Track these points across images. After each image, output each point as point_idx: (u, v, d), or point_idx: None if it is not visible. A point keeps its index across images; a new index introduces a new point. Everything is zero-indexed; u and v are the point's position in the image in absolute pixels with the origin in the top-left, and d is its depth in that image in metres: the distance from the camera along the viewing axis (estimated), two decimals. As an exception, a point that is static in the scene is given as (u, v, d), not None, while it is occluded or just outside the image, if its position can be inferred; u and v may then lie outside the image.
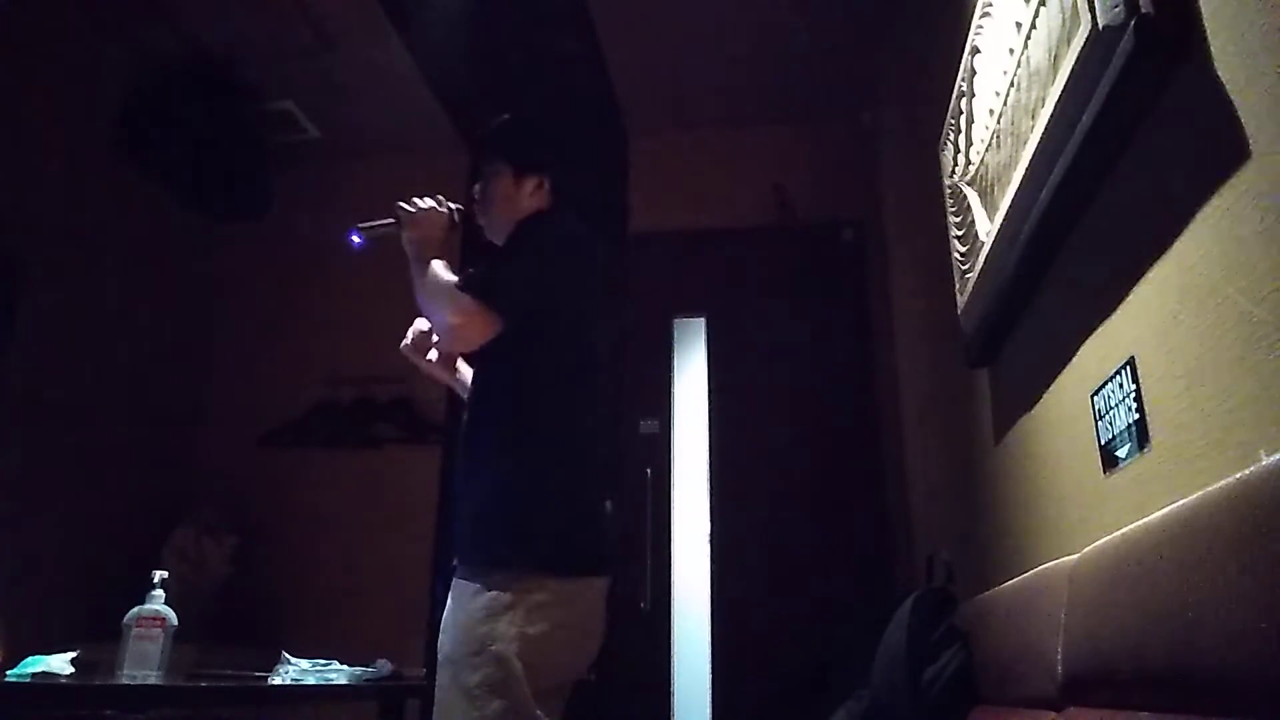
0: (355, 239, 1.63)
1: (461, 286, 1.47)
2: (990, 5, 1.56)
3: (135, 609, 1.64)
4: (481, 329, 1.46)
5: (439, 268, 1.55)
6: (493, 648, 1.32)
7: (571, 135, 1.93)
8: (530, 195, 1.67)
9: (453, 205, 1.70)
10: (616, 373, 3.09)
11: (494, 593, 1.35)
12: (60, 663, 1.50)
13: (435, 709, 1.36)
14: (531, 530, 1.41)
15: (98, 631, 1.93)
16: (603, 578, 1.48)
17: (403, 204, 1.66)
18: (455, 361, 1.73)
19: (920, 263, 2.54)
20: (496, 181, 1.68)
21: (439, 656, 1.38)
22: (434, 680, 1.40)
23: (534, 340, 1.50)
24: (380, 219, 1.66)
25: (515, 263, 1.53)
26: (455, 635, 1.36)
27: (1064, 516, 1.35)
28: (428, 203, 1.67)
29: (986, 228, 1.59)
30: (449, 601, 1.42)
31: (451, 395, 3.44)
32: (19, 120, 2.78)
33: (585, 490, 1.49)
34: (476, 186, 1.71)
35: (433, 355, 1.69)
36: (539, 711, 1.33)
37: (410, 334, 1.69)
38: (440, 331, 1.53)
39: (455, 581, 1.41)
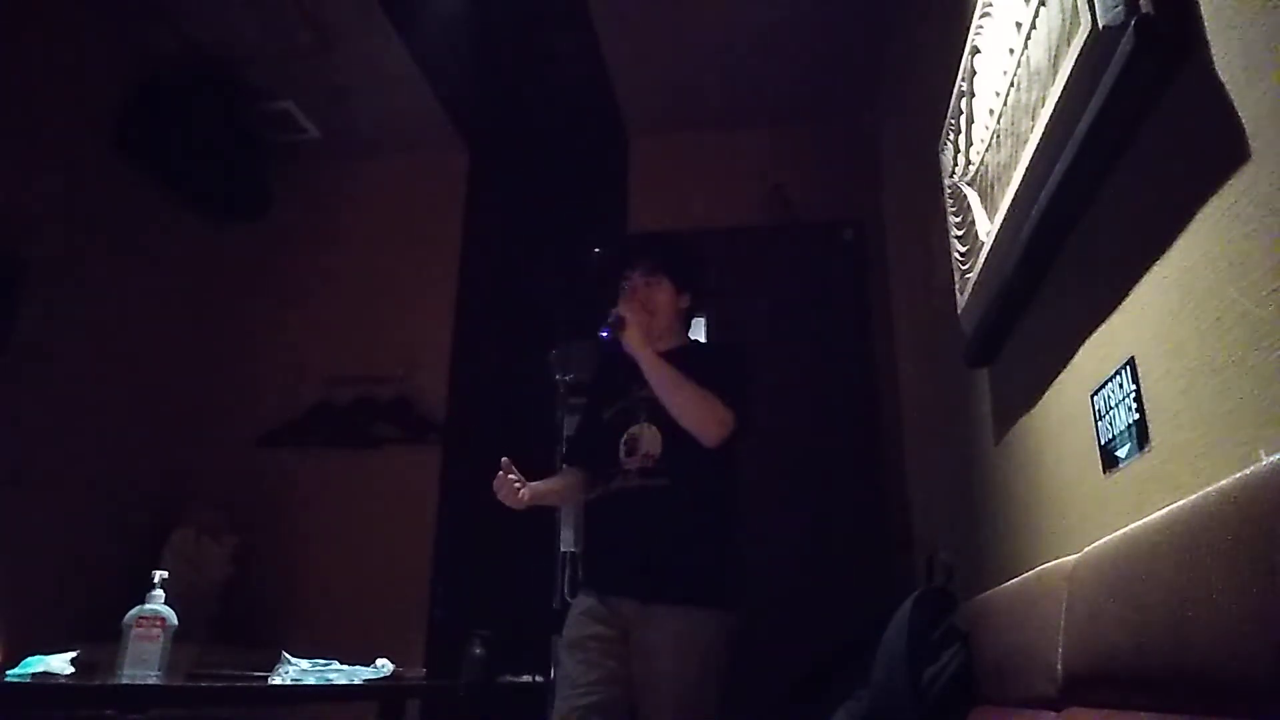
0: (604, 334, 1.91)
1: (729, 405, 1.82)
2: (990, 5, 1.56)
3: (135, 609, 1.64)
4: (729, 432, 1.82)
5: (679, 373, 1.84)
6: (721, 664, 1.80)
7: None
8: (680, 309, 2.03)
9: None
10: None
11: (723, 618, 1.79)
12: (60, 663, 1.50)
13: (669, 706, 1.74)
14: (737, 575, 1.87)
15: (98, 631, 1.93)
16: None
17: (620, 310, 1.91)
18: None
19: (920, 263, 2.54)
20: (662, 292, 2.00)
21: (664, 670, 1.75)
22: (435, 680, 1.44)
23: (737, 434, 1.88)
24: (613, 319, 1.90)
25: (746, 385, 1.91)
26: (695, 652, 1.75)
27: (1064, 516, 1.35)
28: (634, 309, 1.92)
29: (986, 228, 1.59)
30: (664, 628, 1.75)
31: (451, 396, 3.46)
32: (19, 120, 2.79)
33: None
34: (638, 290, 1.98)
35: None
36: None
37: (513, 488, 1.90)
38: (701, 430, 1.81)
39: (670, 609, 1.76)
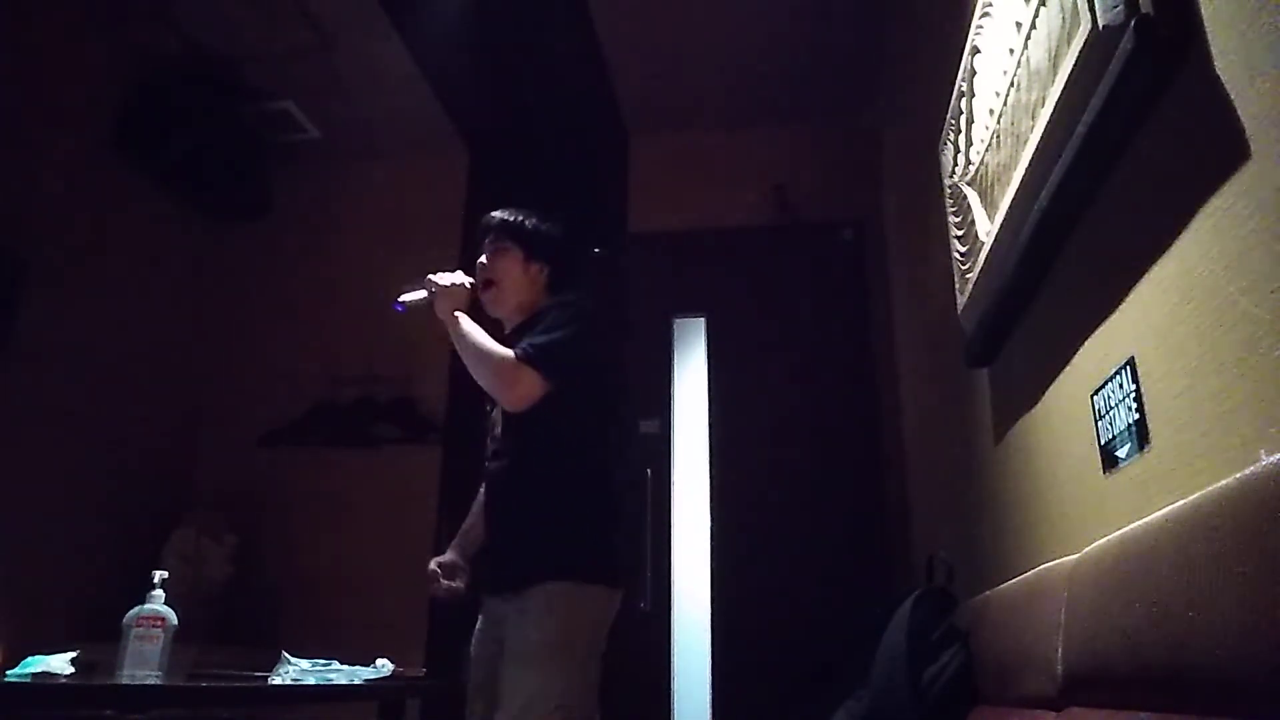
0: (399, 308, 1.87)
1: (522, 359, 1.71)
2: (990, 5, 1.56)
3: (135, 609, 1.63)
4: (535, 394, 1.72)
5: (484, 337, 1.77)
6: (578, 640, 1.63)
7: (576, 242, 2.19)
8: (533, 278, 1.92)
9: (470, 281, 1.89)
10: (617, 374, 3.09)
11: (577, 590, 1.65)
12: (60, 663, 1.50)
13: (507, 695, 1.58)
14: (596, 548, 1.74)
15: (98, 631, 1.93)
16: (620, 590, 1.77)
17: (432, 278, 1.85)
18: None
19: (920, 263, 2.54)
20: (508, 259, 1.91)
21: (520, 645, 1.62)
22: (435, 680, 1.46)
23: (573, 397, 1.76)
24: (418, 291, 1.86)
25: (560, 339, 1.76)
26: (544, 629, 1.61)
27: (1064, 516, 1.35)
28: (454, 278, 1.85)
29: (986, 228, 1.59)
30: (517, 606, 1.66)
31: (452, 396, 3.46)
32: (19, 120, 2.78)
33: (616, 518, 1.82)
34: (483, 259, 1.92)
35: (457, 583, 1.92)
36: (591, 681, 1.65)
37: (444, 579, 1.92)
38: (497, 394, 1.75)
39: (520, 592, 1.66)
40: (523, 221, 1.96)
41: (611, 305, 3.38)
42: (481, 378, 1.75)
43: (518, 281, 1.91)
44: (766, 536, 3.10)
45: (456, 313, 1.80)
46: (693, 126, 3.65)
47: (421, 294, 1.84)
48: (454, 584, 1.91)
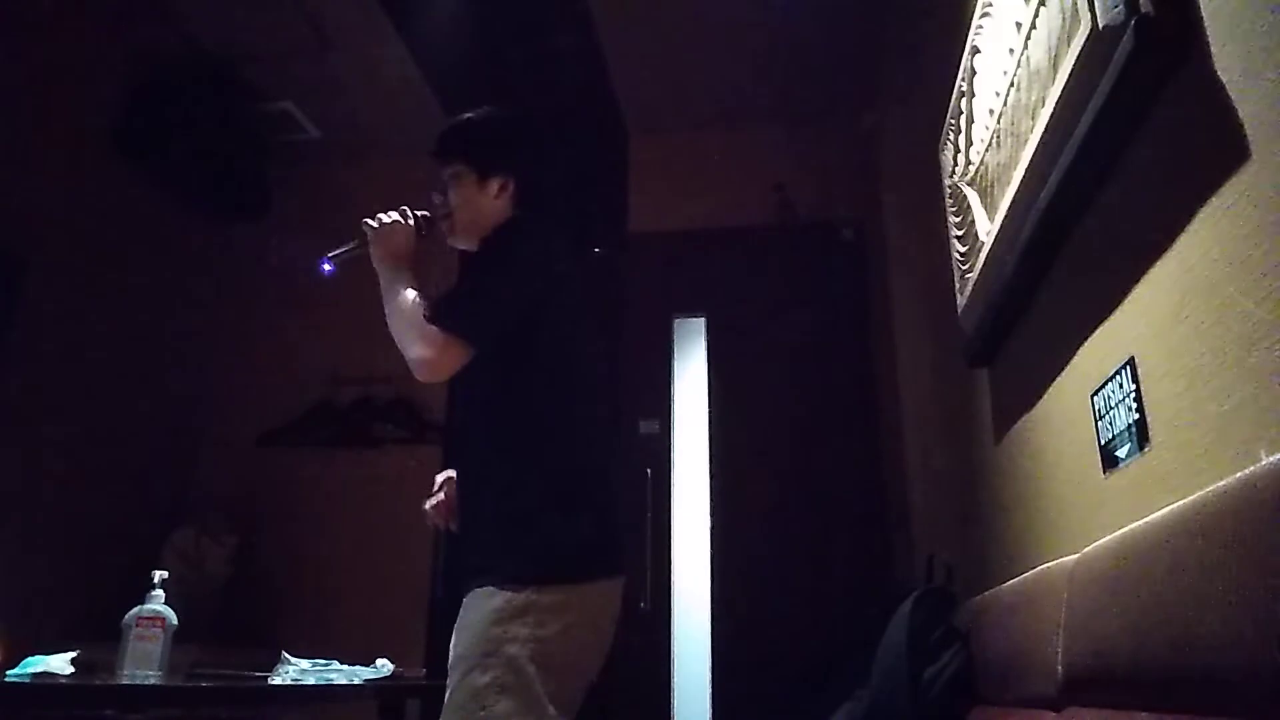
0: (326, 267, 1.63)
1: (428, 318, 1.44)
2: (990, 5, 1.56)
3: (135, 609, 1.64)
4: (451, 361, 1.44)
5: (408, 296, 1.52)
6: (505, 650, 1.31)
7: (540, 132, 1.88)
8: (495, 197, 1.62)
9: (419, 213, 1.65)
10: (616, 373, 3.09)
11: (508, 595, 1.34)
12: (60, 663, 1.50)
13: (444, 709, 1.35)
14: (541, 541, 1.41)
15: (98, 631, 1.93)
16: (616, 578, 1.47)
17: (367, 220, 1.62)
18: None
19: (920, 263, 2.54)
20: (459, 185, 1.62)
21: (450, 658, 1.38)
22: (435, 680, 1.40)
23: (516, 355, 1.48)
24: (347, 243, 1.64)
25: (480, 287, 1.50)
26: (467, 638, 1.36)
27: (1064, 516, 1.35)
28: (392, 215, 1.62)
29: (986, 228, 1.59)
30: (462, 608, 1.41)
31: (452, 396, 3.46)
32: (19, 120, 2.78)
33: (590, 495, 1.48)
34: (434, 194, 1.66)
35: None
36: (552, 710, 1.32)
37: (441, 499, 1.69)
38: (410, 363, 1.47)
39: (471, 591, 1.41)
40: (468, 134, 1.66)
41: (611, 305, 3.38)
42: (399, 344, 1.48)
43: (476, 207, 1.60)
44: (766, 536, 3.10)
45: (395, 261, 1.56)
46: (693, 126, 3.65)
47: (355, 245, 1.61)
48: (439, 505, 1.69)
